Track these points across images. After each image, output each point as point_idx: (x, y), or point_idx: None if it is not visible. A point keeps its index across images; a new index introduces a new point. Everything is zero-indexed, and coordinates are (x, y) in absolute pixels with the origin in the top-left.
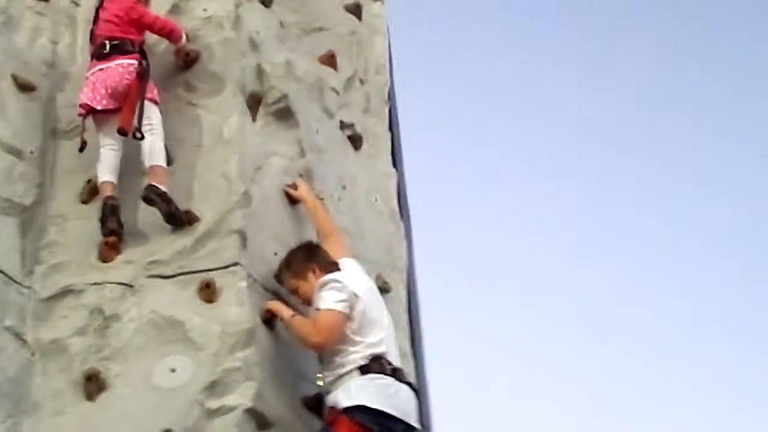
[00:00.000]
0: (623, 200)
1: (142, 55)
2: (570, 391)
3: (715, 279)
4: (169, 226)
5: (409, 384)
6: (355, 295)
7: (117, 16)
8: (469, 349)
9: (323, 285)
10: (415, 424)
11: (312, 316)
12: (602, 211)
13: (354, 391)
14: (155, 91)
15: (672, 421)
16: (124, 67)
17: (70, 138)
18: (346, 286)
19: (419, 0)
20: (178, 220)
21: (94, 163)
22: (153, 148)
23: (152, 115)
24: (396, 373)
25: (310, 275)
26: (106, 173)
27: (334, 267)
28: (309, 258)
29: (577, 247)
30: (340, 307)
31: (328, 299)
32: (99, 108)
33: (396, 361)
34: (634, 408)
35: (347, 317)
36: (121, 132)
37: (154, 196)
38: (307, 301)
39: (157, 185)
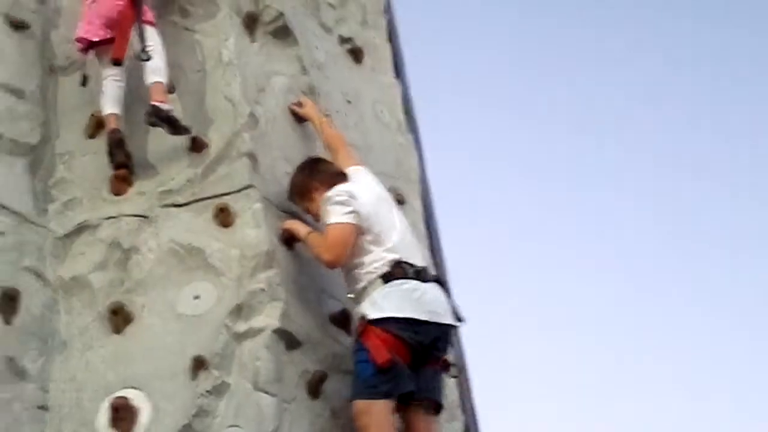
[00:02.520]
0: None
1: None
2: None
3: None
4: (178, 154)
5: (436, 280)
6: (362, 204)
7: None
8: (488, 254)
9: (328, 200)
10: (449, 320)
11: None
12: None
13: (379, 301)
14: (150, 14)
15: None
16: None
17: (68, 74)
18: (350, 198)
19: None
20: (185, 131)
21: (96, 98)
22: (152, 67)
23: (150, 37)
24: (420, 275)
25: (315, 193)
26: (110, 105)
27: (339, 179)
28: (310, 176)
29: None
30: (347, 219)
31: (334, 213)
32: (96, 39)
33: (419, 261)
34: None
35: (357, 228)
36: (116, 62)
37: (155, 119)
38: (319, 219)
39: (158, 104)
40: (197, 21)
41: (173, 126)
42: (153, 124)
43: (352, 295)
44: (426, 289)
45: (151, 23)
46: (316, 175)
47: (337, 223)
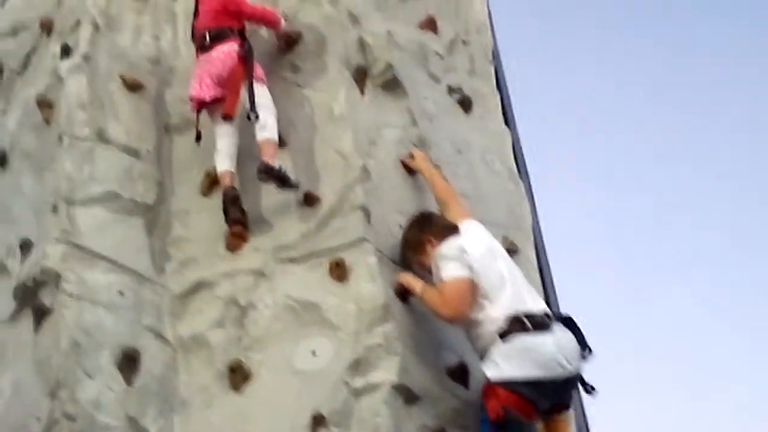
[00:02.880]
0: None
1: (242, 38)
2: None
3: None
4: (292, 210)
5: (562, 319)
6: (474, 258)
7: (215, 8)
8: (602, 302)
9: (440, 257)
10: (572, 368)
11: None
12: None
13: (498, 361)
14: (261, 71)
15: None
16: (225, 53)
17: (182, 133)
18: (462, 252)
19: None
20: (300, 195)
21: (210, 156)
22: (262, 124)
23: (260, 94)
24: (539, 325)
25: (428, 246)
26: (224, 162)
27: (451, 232)
28: (422, 230)
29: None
30: (462, 273)
31: (448, 268)
32: (208, 99)
33: (537, 308)
34: None
35: (471, 282)
36: (227, 118)
37: (266, 177)
38: (431, 273)
39: (269, 161)
40: (307, 76)
41: (283, 182)
42: (264, 181)
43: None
44: (545, 341)
45: (261, 80)
46: (429, 228)
47: (452, 278)
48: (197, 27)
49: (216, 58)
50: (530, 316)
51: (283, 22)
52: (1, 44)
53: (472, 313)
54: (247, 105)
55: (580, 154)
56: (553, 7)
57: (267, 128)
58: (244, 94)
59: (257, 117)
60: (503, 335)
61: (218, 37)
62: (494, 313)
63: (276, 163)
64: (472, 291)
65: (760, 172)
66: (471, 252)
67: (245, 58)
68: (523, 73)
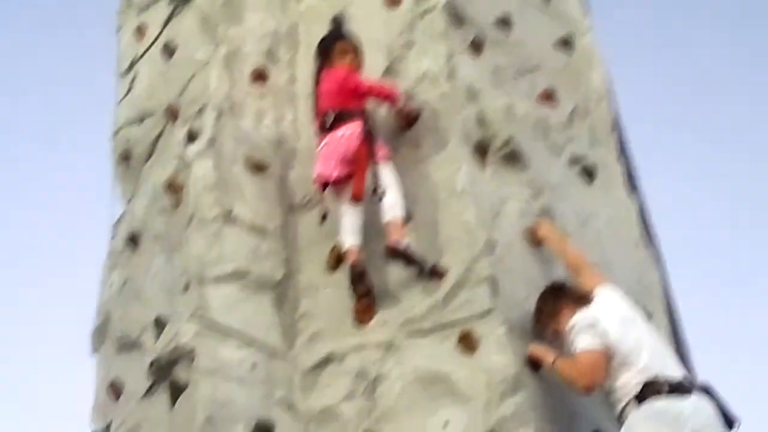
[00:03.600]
0: None
1: (364, 118)
2: None
3: None
4: (418, 283)
5: (703, 389)
6: (608, 326)
7: (334, 89)
8: (741, 365)
9: (573, 328)
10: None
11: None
12: None
13: (635, 426)
14: (384, 150)
15: None
16: (348, 133)
17: (306, 211)
18: (595, 323)
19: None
20: (427, 271)
21: (335, 232)
22: (388, 204)
23: (385, 173)
24: (678, 389)
25: (565, 312)
26: (349, 238)
27: (585, 302)
28: (556, 299)
29: None
30: (594, 345)
31: (582, 340)
32: (333, 177)
33: (676, 373)
34: None
35: (606, 351)
36: (356, 199)
37: (392, 257)
38: (565, 340)
39: (396, 243)
40: (428, 152)
41: (411, 261)
42: (393, 261)
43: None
44: (683, 407)
45: (385, 159)
46: (563, 298)
47: (586, 350)
48: (319, 108)
49: (340, 138)
50: (669, 380)
51: (402, 97)
52: (127, 131)
53: (608, 381)
54: (373, 185)
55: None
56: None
57: (392, 208)
58: (369, 174)
59: (381, 198)
60: (640, 398)
61: (340, 118)
62: (632, 378)
63: (403, 242)
64: (606, 361)
65: None
66: (605, 321)
67: (368, 137)
68: (646, 139)
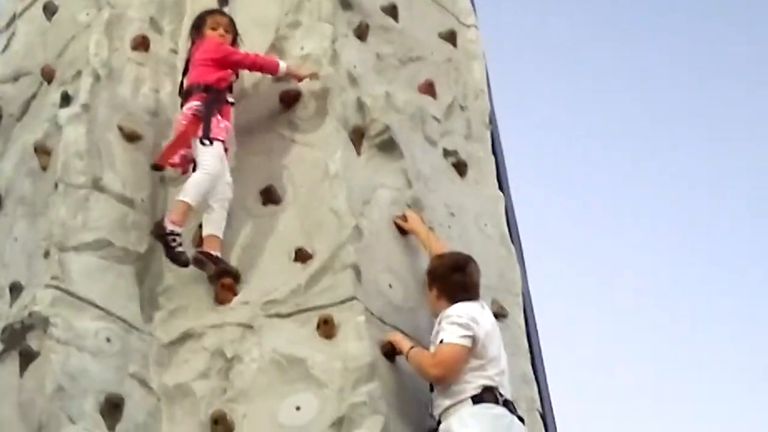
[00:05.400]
0: None
1: (208, 94)
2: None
3: None
4: (283, 265)
5: (520, 418)
6: (481, 330)
7: (204, 60)
8: (590, 370)
9: (448, 317)
10: None
11: (433, 347)
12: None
13: (468, 420)
14: (221, 130)
15: None
16: (185, 112)
17: (177, 185)
18: (472, 322)
19: (513, 21)
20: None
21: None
22: (187, 184)
23: (198, 152)
24: (507, 405)
25: (435, 294)
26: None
27: (465, 296)
28: (444, 278)
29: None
30: (464, 342)
31: (452, 332)
32: (167, 164)
33: (508, 393)
34: None
35: (469, 350)
36: (154, 167)
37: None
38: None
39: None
40: (305, 133)
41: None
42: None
43: (435, 412)
44: (513, 420)
45: (217, 139)
46: (447, 281)
47: (451, 344)
48: (185, 83)
49: (181, 117)
50: (503, 395)
51: (282, 67)
52: (1, 89)
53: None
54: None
55: (571, 219)
56: (552, 70)
57: (184, 190)
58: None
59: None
60: (475, 400)
61: (189, 93)
62: (476, 380)
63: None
64: (465, 360)
65: None
66: (481, 323)
67: (199, 115)
68: (518, 138)
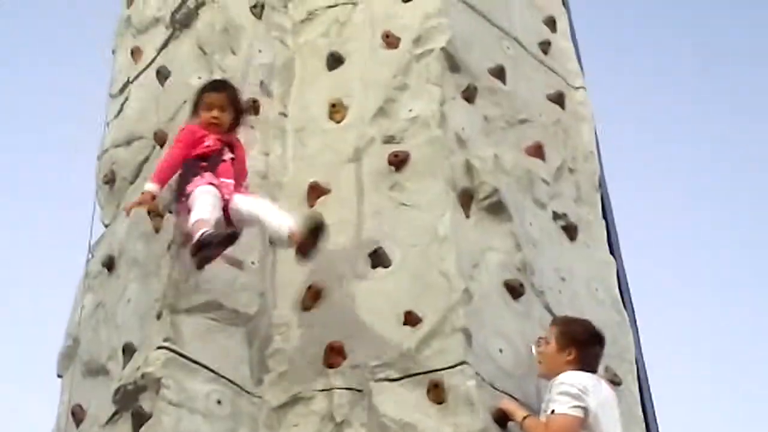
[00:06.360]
0: None
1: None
2: None
3: None
4: (392, 328)
5: None
6: (593, 401)
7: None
8: None
9: (560, 385)
10: None
11: (544, 415)
12: None
13: None
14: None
15: None
16: None
17: (286, 246)
18: (584, 393)
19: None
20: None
21: (313, 271)
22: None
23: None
24: None
25: (565, 354)
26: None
27: (587, 369)
28: (583, 344)
29: None
30: (575, 413)
31: (563, 403)
32: None
33: None
34: None
35: (581, 422)
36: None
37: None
38: (540, 365)
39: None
40: (413, 196)
41: (211, 245)
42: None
43: None
44: None
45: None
46: (586, 350)
47: (563, 414)
48: None
49: None
50: None
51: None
52: (114, 153)
53: None
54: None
55: (684, 285)
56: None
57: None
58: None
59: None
60: None
61: None
62: None
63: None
64: (579, 429)
65: None
66: (594, 393)
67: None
68: (628, 202)
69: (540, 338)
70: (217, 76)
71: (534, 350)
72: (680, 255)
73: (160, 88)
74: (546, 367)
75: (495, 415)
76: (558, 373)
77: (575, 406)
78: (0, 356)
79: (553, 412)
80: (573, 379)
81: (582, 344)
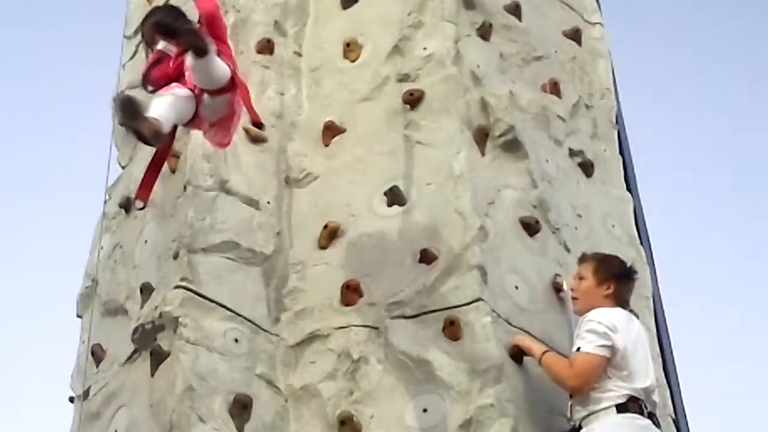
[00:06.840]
0: None
1: None
2: None
3: None
4: (408, 266)
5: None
6: (621, 339)
7: None
8: (723, 378)
9: (589, 322)
10: None
11: (572, 354)
12: None
13: (612, 428)
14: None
15: None
16: None
17: (302, 186)
18: (611, 331)
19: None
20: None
21: (329, 209)
22: None
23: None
24: (652, 417)
25: (603, 288)
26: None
27: (622, 305)
28: (621, 280)
29: None
30: (601, 352)
31: (590, 341)
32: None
33: (654, 407)
34: None
35: (607, 360)
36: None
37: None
38: (576, 301)
39: None
40: (429, 134)
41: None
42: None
43: (576, 416)
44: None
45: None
46: (622, 282)
47: (588, 354)
48: None
49: None
50: (647, 408)
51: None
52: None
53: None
54: None
55: (702, 221)
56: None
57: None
58: None
59: None
60: (620, 409)
61: None
62: (622, 390)
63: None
64: (602, 369)
65: None
66: (623, 332)
67: None
68: (645, 139)
69: (557, 275)
70: (231, 17)
71: (565, 287)
72: (698, 191)
73: None
74: (582, 303)
75: (511, 351)
76: (588, 310)
77: (601, 345)
78: (21, 300)
79: (579, 349)
80: (602, 316)
81: (620, 278)
